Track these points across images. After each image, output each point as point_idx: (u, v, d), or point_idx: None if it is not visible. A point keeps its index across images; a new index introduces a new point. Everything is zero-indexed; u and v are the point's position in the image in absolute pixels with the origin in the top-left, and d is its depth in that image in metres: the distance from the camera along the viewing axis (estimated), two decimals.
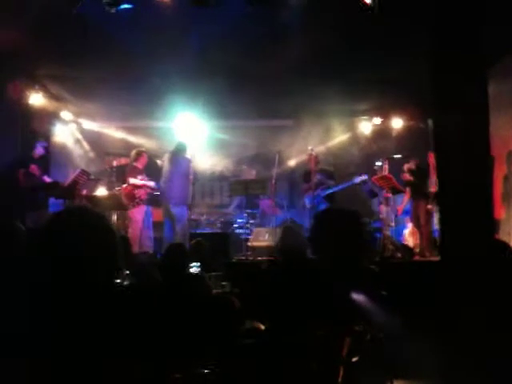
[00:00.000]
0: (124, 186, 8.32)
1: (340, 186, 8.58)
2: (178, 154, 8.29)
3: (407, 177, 8.36)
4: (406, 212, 9.14)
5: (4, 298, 1.67)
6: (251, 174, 10.31)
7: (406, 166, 8.44)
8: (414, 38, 6.67)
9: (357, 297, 2.06)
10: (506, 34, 6.24)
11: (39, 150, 8.43)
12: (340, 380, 2.05)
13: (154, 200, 9.28)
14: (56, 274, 1.59)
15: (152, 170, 8.77)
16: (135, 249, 7.63)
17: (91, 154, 10.75)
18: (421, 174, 8.23)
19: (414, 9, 6.35)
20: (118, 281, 4.27)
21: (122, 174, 8.65)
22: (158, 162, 8.73)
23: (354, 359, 2.24)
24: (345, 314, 2.07)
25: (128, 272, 4.86)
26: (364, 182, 8.43)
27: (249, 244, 7.91)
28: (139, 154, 8.53)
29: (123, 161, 8.89)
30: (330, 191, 8.49)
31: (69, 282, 1.59)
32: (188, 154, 8.40)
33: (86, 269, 1.61)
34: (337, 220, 2.10)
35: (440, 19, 6.07)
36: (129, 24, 6.61)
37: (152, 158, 8.92)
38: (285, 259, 2.12)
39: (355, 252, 1.99)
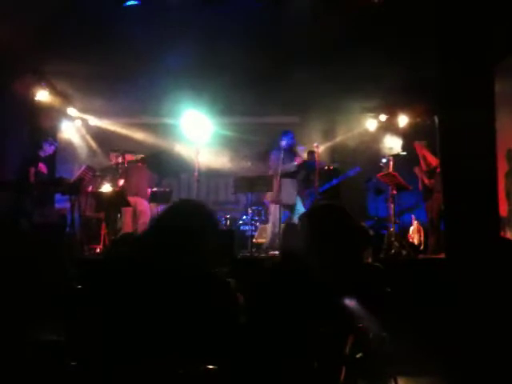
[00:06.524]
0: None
1: (334, 181, 8.55)
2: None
3: (425, 180, 8.29)
4: (411, 209, 9.12)
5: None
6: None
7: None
8: (421, 36, 6.67)
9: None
10: (509, 33, 6.20)
11: (49, 149, 8.47)
12: (342, 378, 2.05)
13: (161, 196, 9.32)
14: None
15: None
16: None
17: (97, 151, 10.79)
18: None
19: (421, 6, 6.35)
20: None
21: (125, 170, 8.78)
22: None
23: (357, 357, 2.23)
24: (347, 311, 2.07)
25: None
26: (368, 179, 8.39)
27: (254, 241, 7.90)
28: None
29: (128, 157, 8.93)
30: (326, 187, 8.45)
31: None
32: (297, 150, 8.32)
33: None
34: (322, 215, 2.10)
35: (448, 18, 6.07)
36: (136, 20, 6.61)
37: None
38: (285, 257, 2.12)
39: (348, 246, 1.98)
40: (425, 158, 8.19)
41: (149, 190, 8.92)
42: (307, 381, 1.88)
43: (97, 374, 1.91)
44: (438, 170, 7.94)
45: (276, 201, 7.80)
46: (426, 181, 8.29)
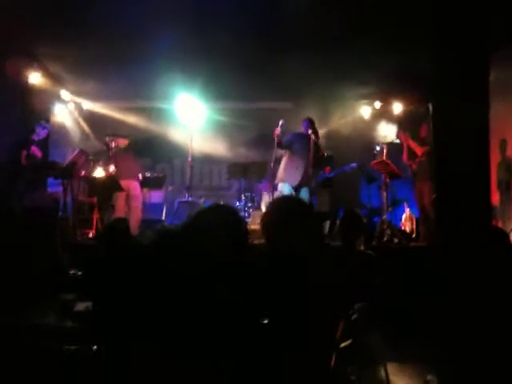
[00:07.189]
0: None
1: (330, 174, 8.57)
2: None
3: (413, 166, 8.23)
4: (403, 196, 9.14)
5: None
6: None
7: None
8: (418, 25, 6.66)
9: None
10: (505, 24, 6.19)
11: (42, 133, 8.39)
12: (333, 364, 2.07)
13: (154, 182, 9.31)
14: None
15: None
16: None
17: (89, 134, 10.73)
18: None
19: None
20: None
21: (115, 155, 8.73)
22: None
23: (347, 343, 2.26)
24: (338, 299, 2.08)
25: None
26: (360, 167, 8.39)
27: (247, 227, 7.88)
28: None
29: (121, 141, 8.87)
30: (321, 178, 8.47)
31: None
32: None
33: None
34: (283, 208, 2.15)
35: (444, 8, 6.05)
36: (129, 1, 6.54)
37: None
38: (269, 244, 2.14)
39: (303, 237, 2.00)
40: (409, 148, 8.17)
41: (140, 175, 8.87)
42: (298, 367, 1.89)
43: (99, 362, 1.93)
44: (420, 158, 7.94)
45: (283, 180, 7.85)
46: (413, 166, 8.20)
